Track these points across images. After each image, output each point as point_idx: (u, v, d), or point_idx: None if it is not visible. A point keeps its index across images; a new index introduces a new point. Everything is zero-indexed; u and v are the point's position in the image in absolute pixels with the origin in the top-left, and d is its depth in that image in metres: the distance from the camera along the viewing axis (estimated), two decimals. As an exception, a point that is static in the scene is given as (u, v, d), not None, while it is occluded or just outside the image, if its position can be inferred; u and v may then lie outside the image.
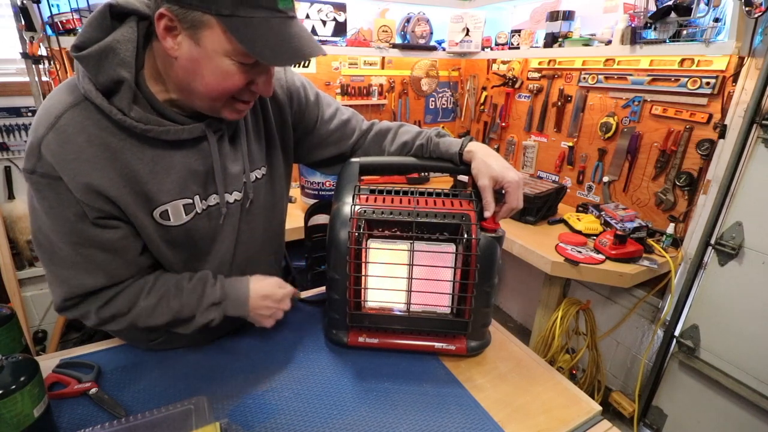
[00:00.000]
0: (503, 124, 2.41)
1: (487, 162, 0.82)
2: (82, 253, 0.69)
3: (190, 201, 0.75)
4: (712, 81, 1.48)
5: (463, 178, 1.90)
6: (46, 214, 0.67)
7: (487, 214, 0.80)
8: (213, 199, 0.78)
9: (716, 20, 1.39)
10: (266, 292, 0.81)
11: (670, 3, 1.44)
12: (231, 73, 0.63)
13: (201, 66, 0.63)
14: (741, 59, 1.40)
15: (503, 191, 0.83)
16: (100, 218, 0.68)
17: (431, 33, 2.32)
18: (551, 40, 1.92)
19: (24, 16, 1.47)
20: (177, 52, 0.63)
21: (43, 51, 1.54)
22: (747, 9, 1.25)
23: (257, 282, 0.82)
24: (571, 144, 2.05)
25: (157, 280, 0.76)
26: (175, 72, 0.65)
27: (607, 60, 1.83)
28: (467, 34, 2.30)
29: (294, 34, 0.63)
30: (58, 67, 1.58)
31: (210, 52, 0.61)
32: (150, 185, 0.70)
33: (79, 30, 0.65)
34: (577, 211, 1.90)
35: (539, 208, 1.81)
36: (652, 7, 1.49)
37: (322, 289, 1.11)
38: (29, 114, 1.73)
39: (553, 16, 1.89)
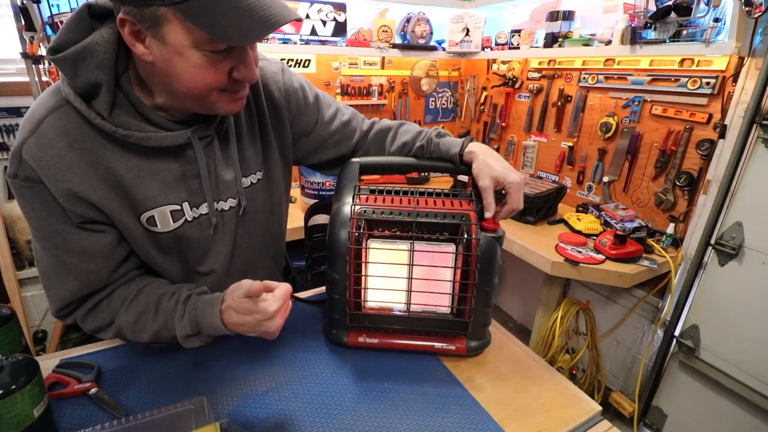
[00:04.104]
0: (503, 124, 2.41)
1: (489, 162, 0.82)
2: (63, 261, 0.68)
3: (178, 207, 0.73)
4: (712, 81, 1.48)
5: (463, 178, 1.90)
6: (29, 218, 0.66)
7: (488, 214, 0.80)
8: (205, 208, 0.76)
9: (716, 20, 1.39)
10: (239, 321, 0.69)
11: (670, 3, 1.44)
12: (206, 66, 0.59)
13: (174, 65, 0.59)
14: (741, 59, 1.40)
15: (503, 192, 0.83)
16: (84, 222, 0.67)
17: (431, 33, 2.32)
18: (551, 40, 1.92)
19: (24, 16, 1.47)
20: (150, 57, 0.59)
21: (43, 51, 1.54)
22: (747, 9, 1.25)
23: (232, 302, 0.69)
24: (571, 144, 2.05)
25: (138, 294, 0.74)
26: (157, 77, 0.63)
27: (607, 60, 1.83)
28: (467, 34, 2.30)
29: (255, 2, 0.56)
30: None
31: (178, 48, 0.57)
32: (135, 191, 0.68)
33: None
34: (577, 211, 1.90)
35: (539, 208, 1.81)
36: (652, 7, 1.49)
37: (322, 289, 1.11)
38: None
39: (553, 16, 1.89)
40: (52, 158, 0.62)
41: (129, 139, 0.65)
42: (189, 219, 0.75)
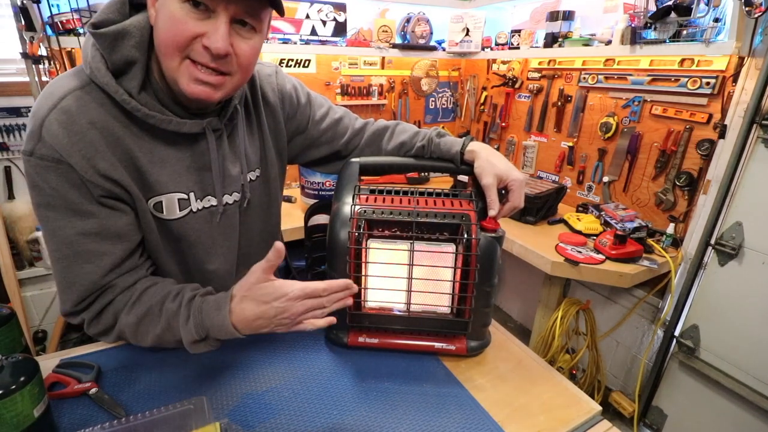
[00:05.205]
0: (503, 124, 2.41)
1: (492, 161, 0.83)
2: (75, 244, 0.67)
3: (185, 196, 0.74)
4: (712, 81, 1.48)
5: (463, 178, 1.90)
6: (41, 198, 0.65)
7: (493, 212, 0.80)
8: (208, 201, 0.78)
9: (716, 20, 1.39)
10: (258, 312, 0.65)
11: (670, 3, 1.44)
12: (178, 18, 0.60)
13: (159, 17, 0.62)
14: (741, 59, 1.40)
15: (504, 191, 0.83)
16: (105, 197, 0.67)
17: (431, 33, 2.32)
18: (551, 40, 1.92)
19: (24, 16, 1.47)
20: (154, 18, 0.63)
21: (43, 51, 1.54)
22: (747, 9, 1.25)
23: (242, 302, 0.66)
24: (571, 144, 2.05)
25: (141, 296, 0.71)
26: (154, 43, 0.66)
27: (607, 60, 1.83)
28: (467, 34, 2.30)
29: None
30: (58, 67, 1.58)
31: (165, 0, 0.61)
32: (147, 174, 0.70)
33: (97, 12, 0.66)
34: (577, 211, 1.90)
35: (539, 208, 1.81)
36: (652, 7, 1.50)
37: (322, 289, 1.10)
38: (29, 114, 1.73)
39: (553, 16, 1.90)
40: (75, 134, 0.63)
41: (150, 120, 0.66)
42: (194, 210, 0.76)
